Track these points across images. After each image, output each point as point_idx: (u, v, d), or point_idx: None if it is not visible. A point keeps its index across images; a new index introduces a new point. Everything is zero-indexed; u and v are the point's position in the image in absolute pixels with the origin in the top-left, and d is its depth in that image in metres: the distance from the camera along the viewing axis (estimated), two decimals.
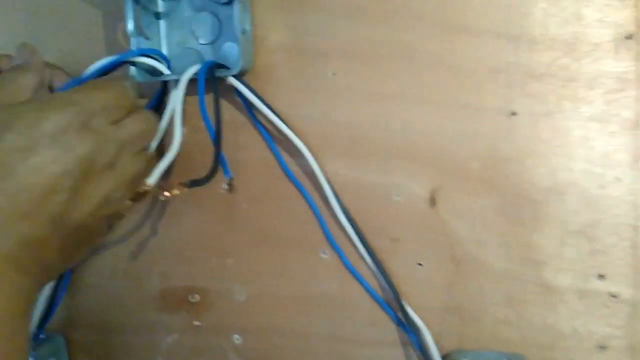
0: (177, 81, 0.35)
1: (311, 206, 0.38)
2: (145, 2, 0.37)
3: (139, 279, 0.42)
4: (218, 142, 0.32)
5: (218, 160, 0.31)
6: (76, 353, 0.45)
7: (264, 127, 0.38)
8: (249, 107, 0.38)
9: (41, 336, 0.44)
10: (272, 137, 0.38)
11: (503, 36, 0.33)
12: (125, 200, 0.31)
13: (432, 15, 0.34)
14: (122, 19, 0.36)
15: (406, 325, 0.36)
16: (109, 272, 0.43)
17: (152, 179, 0.31)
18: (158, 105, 0.39)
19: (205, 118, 0.33)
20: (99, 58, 0.35)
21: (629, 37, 0.31)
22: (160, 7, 0.38)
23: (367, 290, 0.37)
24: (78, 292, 0.44)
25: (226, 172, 0.36)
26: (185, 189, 0.29)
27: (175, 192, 0.28)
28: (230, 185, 0.33)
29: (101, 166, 0.29)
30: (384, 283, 0.37)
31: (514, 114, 0.33)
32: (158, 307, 0.42)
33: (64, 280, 0.43)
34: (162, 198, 0.28)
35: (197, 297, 0.41)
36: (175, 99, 0.33)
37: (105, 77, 0.32)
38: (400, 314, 0.36)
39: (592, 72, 0.32)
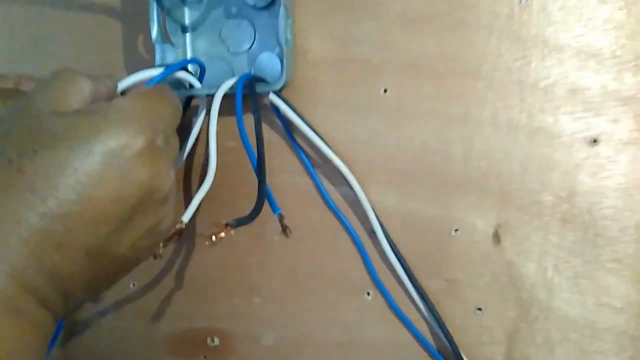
0: (206, 96, 0.31)
1: (355, 240, 0.33)
2: (173, 10, 0.32)
3: (150, 319, 0.37)
4: (262, 171, 0.27)
5: (263, 193, 0.26)
6: None
7: (303, 150, 0.33)
8: (287, 126, 0.33)
9: None
10: (312, 162, 0.33)
11: (585, 53, 0.29)
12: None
13: (505, 27, 0.30)
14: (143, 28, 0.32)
15: None
16: (114, 309, 0.38)
17: (186, 216, 0.27)
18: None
19: (245, 142, 0.28)
20: (116, 68, 0.31)
21: None
22: (187, 17, 0.34)
23: (418, 338, 0.33)
24: (77, 330, 0.39)
25: (275, 208, 0.29)
26: (232, 232, 0.24)
27: (222, 235, 0.23)
28: (284, 226, 0.27)
29: (160, 196, 0.24)
30: (437, 330, 0.32)
31: (595, 141, 0.29)
32: (171, 351, 0.37)
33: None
34: (207, 244, 0.23)
35: (217, 341, 0.36)
36: (211, 118, 0.28)
37: (155, 85, 0.27)
38: None
39: None
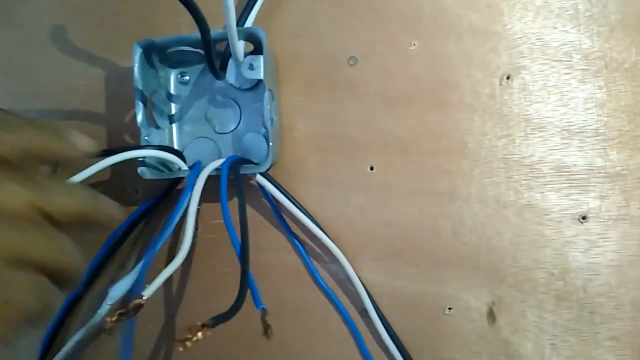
0: (192, 177, 0.30)
1: (346, 320, 0.32)
2: (158, 103, 0.33)
3: None
4: (245, 258, 0.26)
5: (246, 285, 0.25)
6: None
7: (291, 228, 0.33)
8: (274, 205, 0.33)
9: None
10: (300, 240, 0.33)
11: (568, 131, 0.29)
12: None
13: (488, 107, 0.30)
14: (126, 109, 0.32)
15: None
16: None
17: (148, 291, 0.25)
18: (161, 201, 0.34)
19: (229, 227, 0.27)
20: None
21: None
22: (174, 109, 0.34)
23: None
24: None
25: (258, 302, 0.26)
26: (209, 333, 0.23)
27: (199, 337, 0.22)
28: (266, 325, 0.26)
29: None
30: None
31: (584, 218, 0.29)
32: None
33: None
34: (180, 348, 0.21)
35: None
36: (193, 196, 0.28)
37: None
38: None
39: None
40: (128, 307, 0.24)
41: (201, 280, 0.34)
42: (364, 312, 0.32)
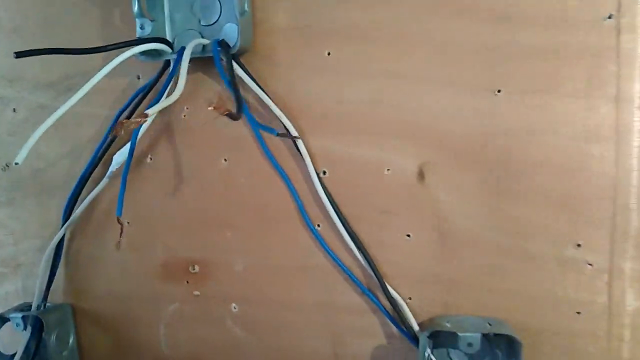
0: (180, 57, 0.37)
1: (289, 187, 0.40)
2: None
3: (143, 252, 0.45)
4: (239, 101, 0.34)
5: (241, 101, 0.33)
6: (83, 322, 0.47)
7: (248, 106, 0.40)
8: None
9: (47, 305, 0.46)
10: (258, 115, 0.40)
11: (488, 16, 0.35)
12: None
13: None
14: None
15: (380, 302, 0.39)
16: (112, 244, 0.45)
17: (151, 111, 0.31)
18: (156, 81, 0.41)
19: (223, 76, 0.35)
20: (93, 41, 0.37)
21: (609, 17, 0.33)
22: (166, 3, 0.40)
23: (342, 268, 0.39)
24: (84, 263, 0.46)
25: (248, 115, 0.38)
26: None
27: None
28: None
29: None
30: (363, 262, 0.39)
31: (499, 91, 0.35)
32: (160, 277, 0.44)
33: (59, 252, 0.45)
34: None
35: (197, 268, 0.43)
36: (184, 59, 0.35)
37: None
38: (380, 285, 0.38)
39: (575, 50, 0.34)
40: (133, 119, 0.31)
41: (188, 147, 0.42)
42: (308, 179, 0.39)
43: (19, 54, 0.31)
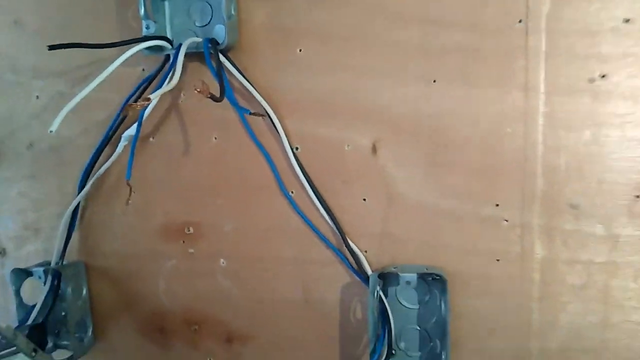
0: (178, 51, 0.45)
1: (268, 160, 0.48)
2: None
3: (145, 216, 0.53)
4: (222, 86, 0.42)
5: (223, 86, 0.42)
6: (94, 276, 0.55)
7: (234, 93, 0.48)
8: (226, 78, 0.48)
9: (64, 263, 0.54)
10: (242, 100, 0.48)
11: (425, 21, 0.43)
12: None
13: (377, 5, 0.44)
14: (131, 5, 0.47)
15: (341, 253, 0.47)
16: (119, 210, 0.53)
17: (154, 96, 0.39)
18: (157, 73, 0.49)
19: (210, 68, 0.43)
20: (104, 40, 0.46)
21: (520, 21, 0.41)
22: (167, 7, 0.49)
23: (309, 225, 0.48)
24: (94, 226, 0.55)
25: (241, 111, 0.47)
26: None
27: (205, 93, 0.38)
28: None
29: None
30: (329, 222, 0.47)
31: (434, 81, 0.44)
32: (160, 238, 0.53)
33: (74, 218, 0.53)
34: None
35: (191, 230, 0.52)
36: (181, 53, 0.43)
37: None
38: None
39: (493, 48, 0.42)
40: (139, 102, 0.39)
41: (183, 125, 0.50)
42: (284, 154, 0.48)
43: (52, 47, 0.39)
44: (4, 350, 0.47)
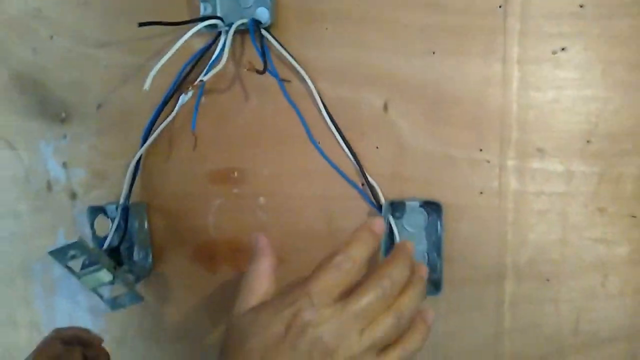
0: (229, 29, 0.57)
1: (299, 116, 0.60)
2: None
3: (197, 163, 0.65)
4: (265, 61, 0.54)
5: (266, 61, 0.54)
6: (154, 214, 0.67)
7: (273, 65, 0.60)
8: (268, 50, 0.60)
9: (128, 204, 0.66)
10: (280, 73, 0.60)
11: (427, 5, 0.55)
12: None
13: None
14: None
15: (363, 188, 0.59)
16: (177, 159, 0.65)
17: (205, 78, 0.52)
18: (209, 46, 0.61)
19: (254, 44, 0.55)
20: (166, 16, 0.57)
21: (500, 6, 0.54)
22: None
23: (334, 167, 0.60)
24: (154, 173, 0.66)
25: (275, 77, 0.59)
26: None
27: (252, 70, 0.50)
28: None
29: None
30: (352, 160, 0.60)
31: (434, 53, 0.56)
32: (209, 181, 0.65)
33: (137, 166, 0.65)
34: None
35: (236, 174, 0.64)
36: (229, 35, 0.55)
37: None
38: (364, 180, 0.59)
39: (478, 27, 0.54)
40: (194, 84, 0.52)
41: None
42: (319, 110, 0.60)
43: (141, 24, 0.51)
44: (88, 267, 0.59)
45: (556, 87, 0.54)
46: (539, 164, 0.55)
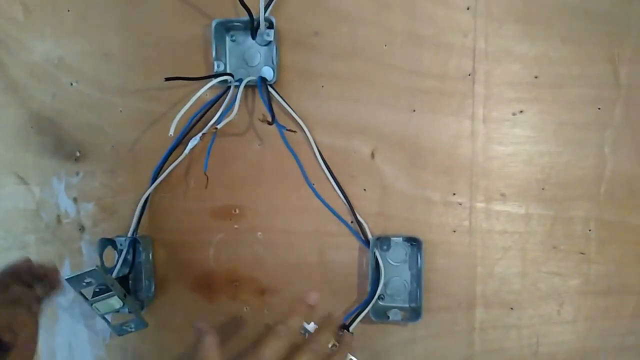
0: (238, 85, 0.66)
1: (296, 161, 0.68)
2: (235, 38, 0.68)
3: (202, 200, 0.72)
4: (273, 113, 0.63)
5: (273, 114, 0.62)
6: (158, 246, 0.73)
7: (275, 116, 0.69)
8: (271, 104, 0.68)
9: (136, 237, 0.72)
10: (281, 123, 0.69)
11: (410, 71, 0.65)
12: None
13: (374, 59, 0.66)
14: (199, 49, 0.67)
15: (352, 225, 0.67)
16: (183, 196, 0.72)
17: (220, 125, 0.60)
18: (218, 98, 0.69)
19: (262, 97, 0.64)
20: (181, 72, 0.66)
21: (469, 75, 0.64)
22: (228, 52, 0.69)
23: (326, 206, 0.68)
24: (160, 209, 0.73)
25: (280, 127, 0.67)
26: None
27: (265, 122, 0.59)
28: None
29: None
30: (343, 200, 0.68)
31: (414, 110, 0.66)
32: (212, 217, 0.72)
33: (145, 203, 0.71)
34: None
35: (237, 211, 0.71)
36: (240, 89, 0.64)
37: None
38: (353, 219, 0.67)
39: (451, 91, 0.65)
40: (210, 130, 0.60)
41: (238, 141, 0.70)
42: (314, 156, 0.68)
43: (168, 79, 0.59)
44: (99, 294, 0.65)
45: (516, 142, 0.64)
46: (502, 207, 0.65)
